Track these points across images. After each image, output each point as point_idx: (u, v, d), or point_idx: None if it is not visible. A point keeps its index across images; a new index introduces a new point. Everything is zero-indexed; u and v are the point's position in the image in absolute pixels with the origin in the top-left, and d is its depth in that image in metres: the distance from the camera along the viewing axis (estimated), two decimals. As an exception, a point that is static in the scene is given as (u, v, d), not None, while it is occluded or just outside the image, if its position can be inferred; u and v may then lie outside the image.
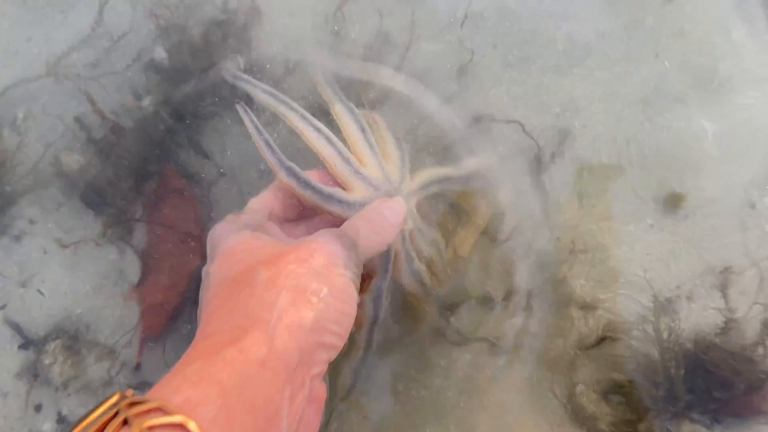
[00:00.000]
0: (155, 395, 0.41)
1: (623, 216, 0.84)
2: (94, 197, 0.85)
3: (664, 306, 0.80)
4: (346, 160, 0.66)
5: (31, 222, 0.86)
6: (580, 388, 0.79)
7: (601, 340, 0.80)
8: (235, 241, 0.58)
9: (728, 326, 0.80)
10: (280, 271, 0.52)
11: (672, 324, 0.80)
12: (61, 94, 0.88)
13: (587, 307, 0.81)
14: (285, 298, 0.50)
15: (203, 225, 0.83)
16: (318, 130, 0.67)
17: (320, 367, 0.52)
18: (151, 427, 0.37)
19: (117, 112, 0.87)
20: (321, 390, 0.55)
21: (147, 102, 0.87)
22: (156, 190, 0.85)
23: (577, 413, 0.78)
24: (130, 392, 0.41)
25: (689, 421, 0.76)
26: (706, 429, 0.76)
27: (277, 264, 0.52)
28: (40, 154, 0.87)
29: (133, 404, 0.39)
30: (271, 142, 0.65)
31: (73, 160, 0.86)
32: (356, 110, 0.72)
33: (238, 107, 0.67)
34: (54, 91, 0.88)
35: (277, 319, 0.48)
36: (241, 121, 0.68)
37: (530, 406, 0.79)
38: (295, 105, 0.69)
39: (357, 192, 0.65)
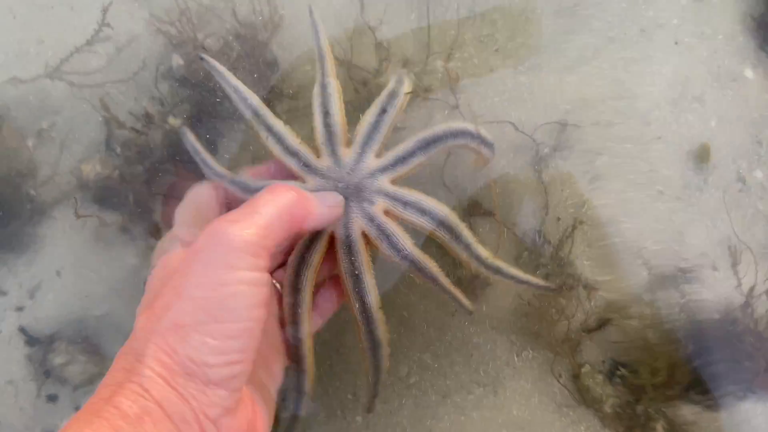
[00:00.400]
0: None
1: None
2: (114, 200, 0.86)
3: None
4: (294, 155, 0.67)
5: (54, 227, 0.88)
6: (585, 369, 0.79)
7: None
8: (151, 275, 0.57)
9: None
10: (154, 313, 0.49)
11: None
12: (79, 103, 0.89)
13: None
14: (154, 347, 0.47)
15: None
16: (269, 128, 0.69)
17: (218, 408, 0.48)
18: None
19: (136, 118, 0.88)
20: (238, 422, 0.50)
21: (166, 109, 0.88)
22: (169, 188, 0.86)
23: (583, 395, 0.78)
24: None
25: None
26: (738, 400, 0.75)
27: (153, 304, 0.50)
28: (62, 163, 0.88)
29: None
30: (209, 160, 0.70)
31: (93, 168, 0.86)
32: (330, 89, 0.71)
33: (181, 131, 0.73)
34: (72, 100, 0.89)
35: (149, 369, 0.46)
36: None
37: (536, 388, 0.79)
38: (254, 102, 0.70)
39: (309, 183, 0.66)
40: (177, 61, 0.89)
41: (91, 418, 0.43)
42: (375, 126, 0.70)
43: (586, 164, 0.83)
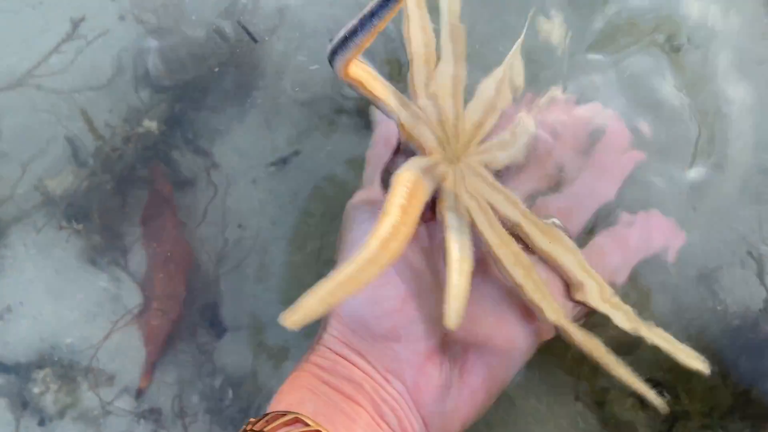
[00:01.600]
0: None
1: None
2: (81, 218, 0.81)
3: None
4: None
5: (14, 248, 0.81)
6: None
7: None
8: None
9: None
10: None
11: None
12: (43, 110, 0.82)
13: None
14: (329, 317, 0.55)
15: (186, 237, 0.79)
16: None
17: (397, 362, 0.50)
18: (272, 429, 0.44)
19: (108, 126, 0.82)
20: (431, 378, 0.51)
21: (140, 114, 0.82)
22: (147, 203, 0.81)
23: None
24: (252, 419, 0.47)
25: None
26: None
27: None
28: (21, 178, 0.81)
29: (257, 422, 0.46)
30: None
31: (58, 183, 0.81)
32: None
33: None
34: (35, 106, 0.82)
35: (327, 333, 0.53)
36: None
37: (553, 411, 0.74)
38: None
39: None
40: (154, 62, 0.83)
41: (296, 373, 0.52)
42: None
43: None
